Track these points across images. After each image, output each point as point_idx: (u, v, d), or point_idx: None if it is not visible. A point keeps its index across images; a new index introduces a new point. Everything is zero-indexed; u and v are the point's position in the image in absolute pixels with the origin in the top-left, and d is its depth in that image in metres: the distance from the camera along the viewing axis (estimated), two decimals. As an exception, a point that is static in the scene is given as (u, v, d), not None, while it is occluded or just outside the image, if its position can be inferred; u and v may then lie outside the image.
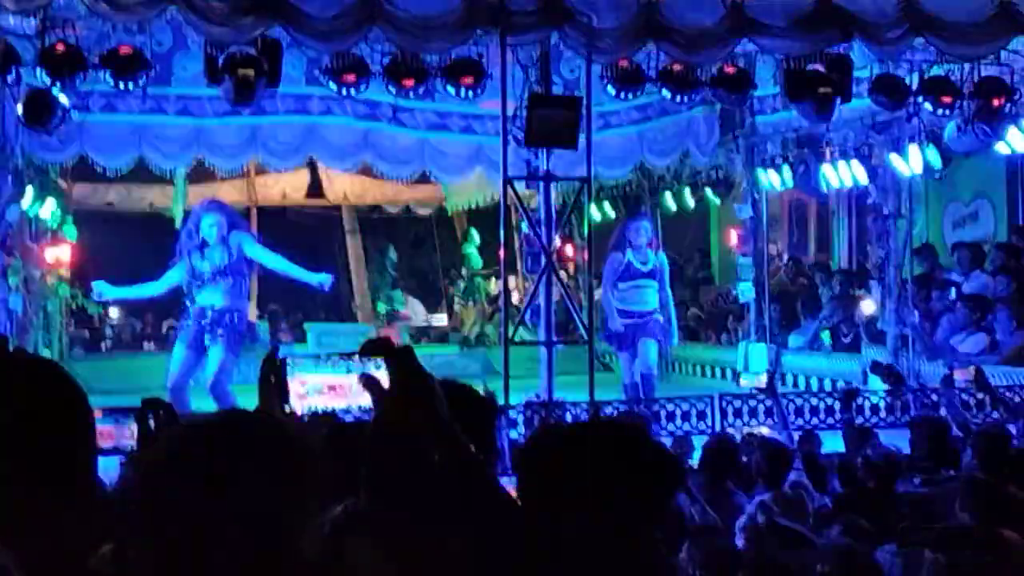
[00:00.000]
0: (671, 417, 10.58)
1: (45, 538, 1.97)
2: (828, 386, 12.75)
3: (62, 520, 2.00)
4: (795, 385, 13.32)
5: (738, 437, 9.31)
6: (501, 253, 11.94)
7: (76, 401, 2.07)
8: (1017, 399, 10.24)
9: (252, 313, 13.73)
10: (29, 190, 14.15)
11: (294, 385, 2.74)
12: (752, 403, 10.73)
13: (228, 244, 11.73)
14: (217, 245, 11.71)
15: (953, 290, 13.78)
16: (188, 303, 11.99)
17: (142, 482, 2.16)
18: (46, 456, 1.98)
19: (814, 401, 11.00)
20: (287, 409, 2.70)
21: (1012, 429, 8.23)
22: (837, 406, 10.49)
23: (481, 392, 3.30)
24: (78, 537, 2.04)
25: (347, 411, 3.18)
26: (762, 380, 11.65)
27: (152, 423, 3.09)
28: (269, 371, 2.79)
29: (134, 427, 3.26)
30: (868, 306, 14.20)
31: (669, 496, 2.64)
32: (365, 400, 2.57)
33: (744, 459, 8.16)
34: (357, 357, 2.71)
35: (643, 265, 12.68)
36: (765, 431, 9.55)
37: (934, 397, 10.29)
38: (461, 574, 2.53)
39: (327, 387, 2.79)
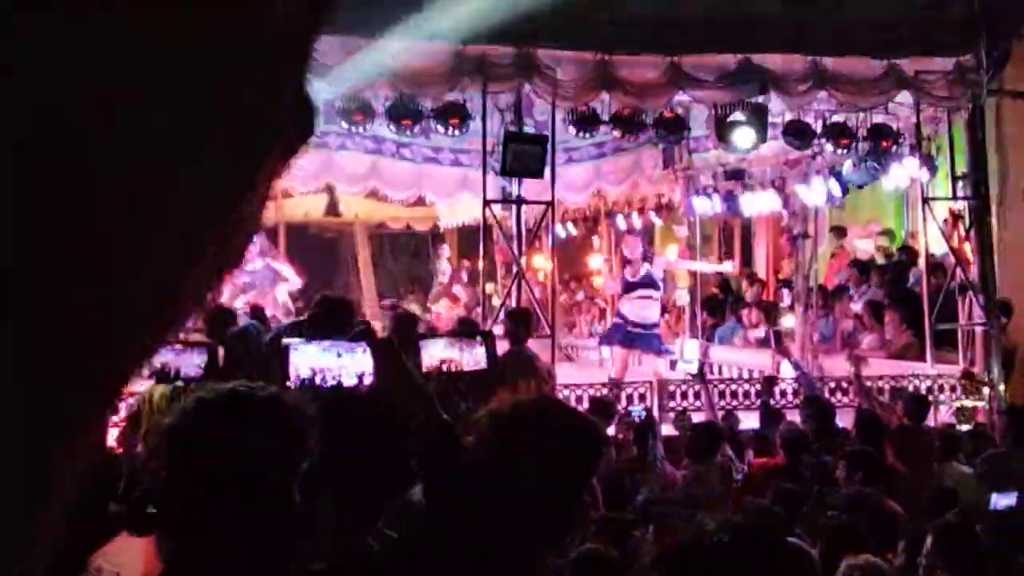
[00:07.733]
0: (618, 398, 10.54)
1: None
2: (746, 375, 12.74)
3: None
4: (720, 373, 13.29)
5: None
6: (481, 263, 11.92)
7: None
8: (900, 386, 10.33)
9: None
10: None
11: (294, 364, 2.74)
12: (684, 387, 10.72)
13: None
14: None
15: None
16: None
17: (166, 446, 2.15)
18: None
19: (735, 387, 10.99)
20: (287, 383, 2.70)
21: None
22: (754, 390, 10.51)
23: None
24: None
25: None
26: (694, 369, 11.61)
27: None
28: (274, 353, 2.78)
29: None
30: (787, 319, 13.90)
31: (591, 462, 2.59)
32: (347, 379, 2.58)
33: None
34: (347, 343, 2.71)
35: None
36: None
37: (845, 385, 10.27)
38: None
39: (321, 368, 2.79)
